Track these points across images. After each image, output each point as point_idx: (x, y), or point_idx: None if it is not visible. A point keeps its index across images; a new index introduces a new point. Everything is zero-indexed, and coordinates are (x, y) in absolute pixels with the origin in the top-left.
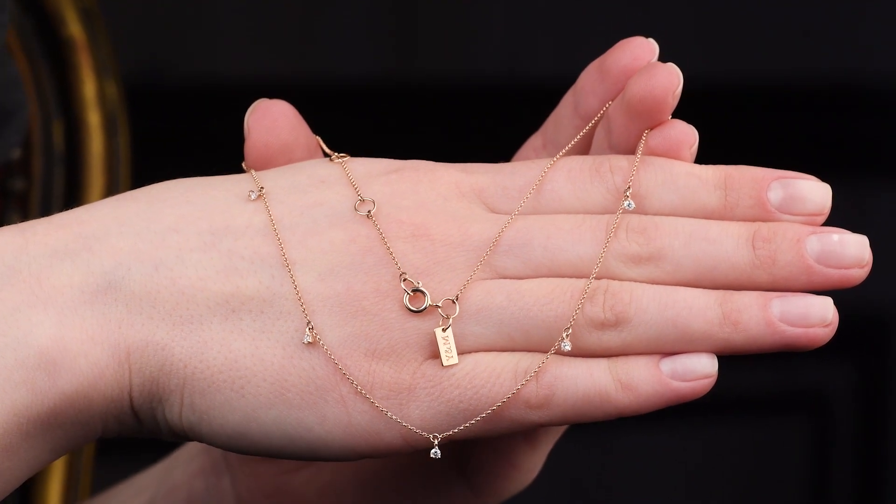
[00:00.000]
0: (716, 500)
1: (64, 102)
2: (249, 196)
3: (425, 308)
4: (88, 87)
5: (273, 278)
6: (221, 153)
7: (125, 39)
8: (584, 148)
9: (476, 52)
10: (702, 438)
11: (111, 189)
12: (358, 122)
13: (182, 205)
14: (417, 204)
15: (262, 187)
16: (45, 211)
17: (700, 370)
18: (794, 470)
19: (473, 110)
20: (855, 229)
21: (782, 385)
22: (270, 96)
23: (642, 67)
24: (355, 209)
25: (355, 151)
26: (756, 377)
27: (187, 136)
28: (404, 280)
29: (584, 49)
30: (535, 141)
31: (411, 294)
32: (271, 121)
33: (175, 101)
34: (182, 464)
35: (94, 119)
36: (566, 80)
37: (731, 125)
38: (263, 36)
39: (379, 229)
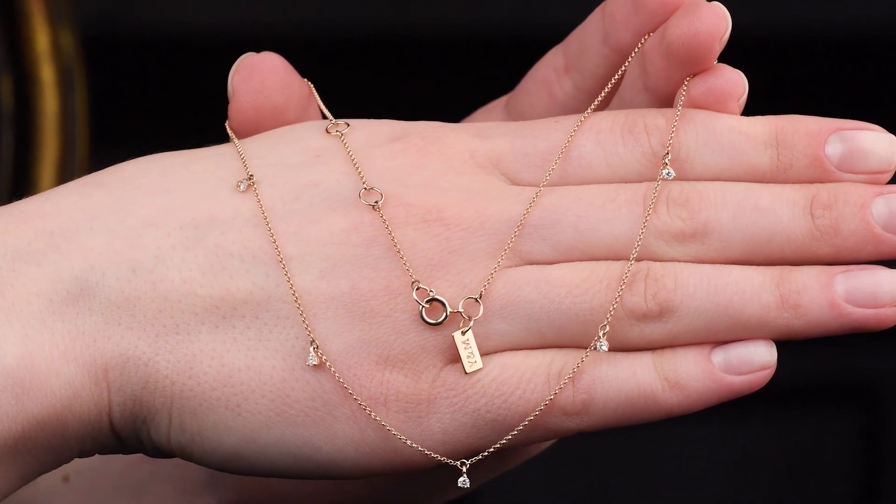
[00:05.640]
0: (757, 500)
1: (13, 55)
2: (238, 187)
3: (444, 319)
4: (41, 38)
5: (268, 277)
6: (191, 112)
7: None
8: (615, 86)
9: None
10: (741, 433)
11: (66, 152)
12: (347, 77)
13: (158, 193)
14: (426, 181)
15: (251, 175)
16: None
17: (757, 361)
18: (842, 467)
19: (476, 62)
20: None
21: (829, 374)
22: (249, 48)
23: (684, 5)
24: (360, 197)
25: (345, 110)
26: (800, 365)
27: (152, 93)
28: (417, 289)
29: None
30: (555, 59)
31: (427, 306)
32: (259, 81)
33: (138, 54)
34: (152, 484)
35: (47, 74)
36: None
37: (772, 76)
38: None
39: (383, 217)
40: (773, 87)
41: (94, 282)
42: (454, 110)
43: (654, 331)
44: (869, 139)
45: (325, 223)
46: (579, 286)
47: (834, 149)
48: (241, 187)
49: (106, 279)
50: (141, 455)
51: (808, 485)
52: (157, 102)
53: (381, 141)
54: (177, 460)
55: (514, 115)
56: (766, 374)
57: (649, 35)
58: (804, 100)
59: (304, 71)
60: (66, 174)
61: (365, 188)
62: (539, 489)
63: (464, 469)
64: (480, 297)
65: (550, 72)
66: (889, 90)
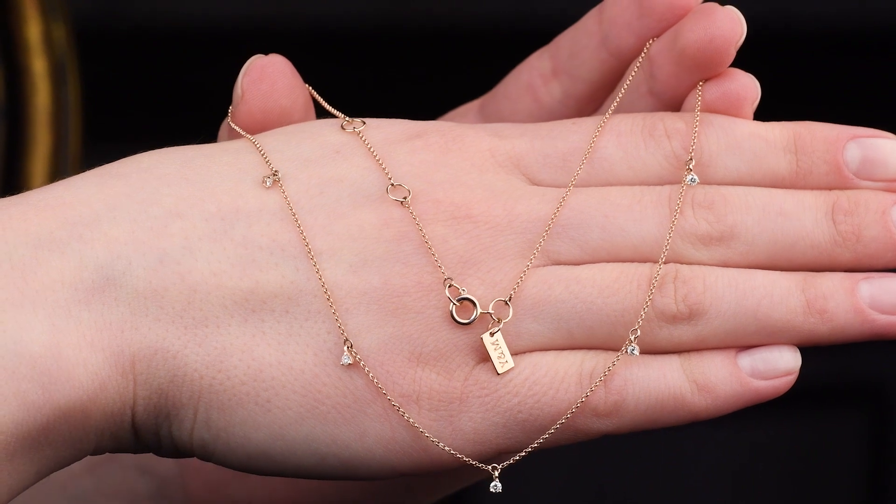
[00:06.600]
0: (764, 501)
1: (5, 47)
2: (264, 183)
3: (474, 319)
4: (33, 30)
5: (297, 271)
6: (185, 105)
7: None
8: (614, 86)
9: None
10: (748, 435)
11: (58, 146)
12: (346, 71)
13: (180, 183)
14: (451, 178)
15: (275, 171)
16: None
17: (783, 366)
18: (849, 469)
19: (478, 56)
20: None
21: (836, 375)
22: (243, 42)
23: (697, 9)
24: (387, 192)
25: (343, 106)
26: (806, 366)
27: (145, 87)
28: (449, 286)
29: None
30: (540, 64)
31: (458, 304)
32: (269, 84)
33: (132, 47)
34: (97, 497)
35: (39, 66)
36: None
37: (785, 72)
38: None
39: (412, 212)
40: (774, 83)
41: (121, 271)
42: (453, 106)
43: (682, 333)
44: (887, 147)
45: (354, 218)
46: (610, 287)
47: (852, 156)
48: (268, 183)
49: (132, 269)
50: (86, 466)
51: (814, 485)
52: (151, 96)
53: (399, 138)
54: (126, 471)
55: (493, 120)
56: (790, 380)
57: (654, 39)
58: (805, 96)
59: (299, 64)
60: (58, 168)
61: (392, 184)
62: (540, 489)
63: (495, 473)
64: (510, 300)
65: (536, 76)
66: (891, 85)
